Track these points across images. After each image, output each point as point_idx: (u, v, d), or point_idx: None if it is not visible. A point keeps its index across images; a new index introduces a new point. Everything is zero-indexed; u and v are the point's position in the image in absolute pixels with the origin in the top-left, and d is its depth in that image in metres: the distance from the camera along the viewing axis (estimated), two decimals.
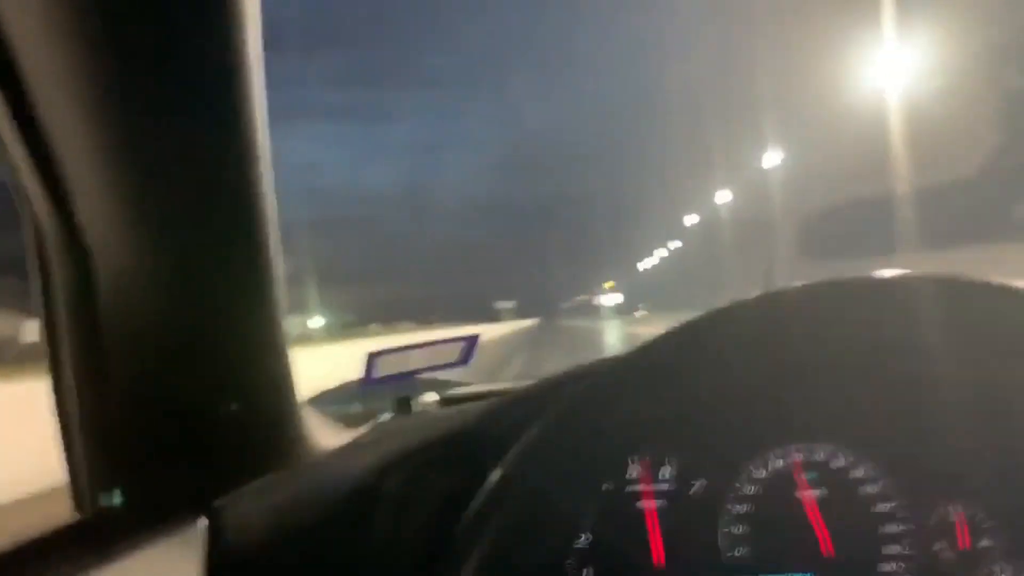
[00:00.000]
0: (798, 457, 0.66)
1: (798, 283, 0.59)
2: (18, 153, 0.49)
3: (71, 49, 0.44)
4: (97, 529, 0.56)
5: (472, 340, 0.84)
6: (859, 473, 0.65)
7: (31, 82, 0.46)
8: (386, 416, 0.84)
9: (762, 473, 0.66)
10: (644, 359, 0.62)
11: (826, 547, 0.63)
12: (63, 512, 0.58)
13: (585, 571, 0.65)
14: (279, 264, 0.60)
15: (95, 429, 0.57)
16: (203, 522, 0.58)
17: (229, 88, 0.50)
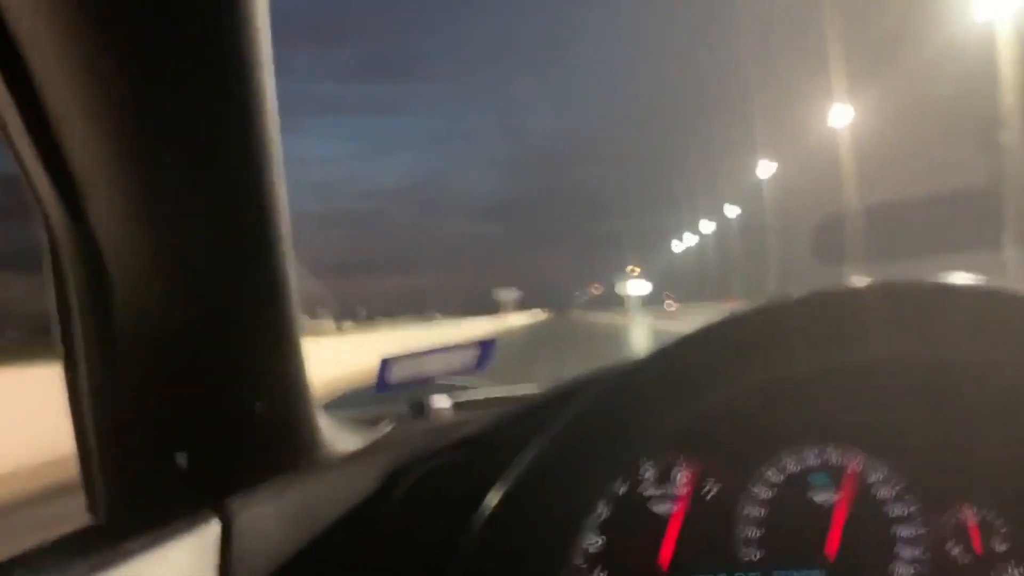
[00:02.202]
0: (813, 460, 0.66)
1: (813, 289, 0.59)
2: (29, 154, 0.50)
3: (81, 49, 0.44)
4: (111, 530, 0.57)
5: (489, 345, 0.84)
6: (873, 476, 0.64)
7: (40, 83, 0.46)
8: (400, 420, 0.85)
9: (777, 476, 0.66)
10: (660, 363, 0.62)
11: (839, 549, 0.63)
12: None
13: (597, 574, 0.66)
14: (292, 262, 0.60)
15: (109, 429, 0.57)
16: (217, 523, 0.58)
17: (240, 85, 0.50)
